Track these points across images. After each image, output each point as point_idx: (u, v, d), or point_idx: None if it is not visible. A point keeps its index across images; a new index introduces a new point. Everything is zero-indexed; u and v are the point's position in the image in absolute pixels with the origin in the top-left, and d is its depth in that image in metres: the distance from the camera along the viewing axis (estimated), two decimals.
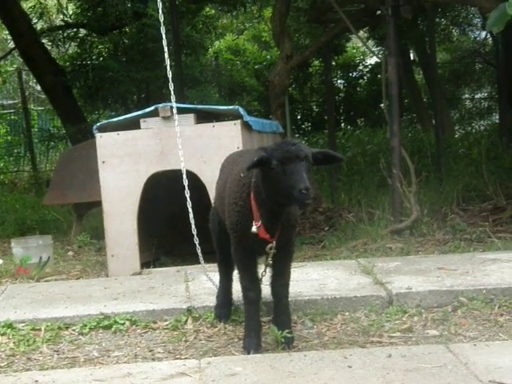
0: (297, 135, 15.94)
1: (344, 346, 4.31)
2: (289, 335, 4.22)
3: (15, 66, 18.83)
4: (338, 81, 18.18)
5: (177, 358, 4.26)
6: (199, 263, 6.38)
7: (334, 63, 16.22)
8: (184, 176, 6.06)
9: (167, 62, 6.02)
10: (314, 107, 18.38)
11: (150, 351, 4.47)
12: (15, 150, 18.46)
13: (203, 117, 6.88)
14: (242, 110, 6.57)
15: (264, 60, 17.34)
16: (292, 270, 4.51)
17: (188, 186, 6.20)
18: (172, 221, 7.62)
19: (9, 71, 18.53)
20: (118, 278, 6.38)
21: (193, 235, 6.29)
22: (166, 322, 4.93)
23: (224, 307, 4.88)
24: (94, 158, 7.06)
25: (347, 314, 4.89)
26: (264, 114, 14.31)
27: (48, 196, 9.41)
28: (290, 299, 4.75)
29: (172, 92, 6.17)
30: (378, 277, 5.48)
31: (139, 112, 6.89)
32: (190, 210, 5.89)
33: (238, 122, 6.51)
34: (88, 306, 5.22)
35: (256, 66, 17.23)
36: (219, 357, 4.11)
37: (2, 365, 4.30)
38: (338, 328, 4.67)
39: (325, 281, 5.52)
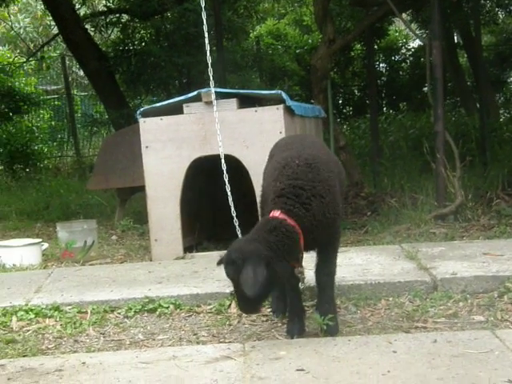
0: (338, 120, 15.85)
1: (388, 331, 4.29)
2: (331, 323, 4.14)
3: (58, 51, 19.03)
4: (380, 64, 17.99)
5: (221, 342, 4.28)
6: None
7: (376, 47, 16.05)
8: (222, 161, 6.07)
9: (207, 47, 6.03)
10: (356, 91, 18.25)
11: (195, 335, 4.50)
12: (59, 136, 18.69)
13: (245, 102, 6.88)
14: (284, 95, 6.55)
15: (305, 44, 17.22)
16: None
17: (230, 170, 6.25)
18: (214, 205, 7.65)
19: (52, 57, 18.73)
20: (162, 262, 6.43)
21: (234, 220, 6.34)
22: (210, 306, 4.96)
23: (280, 301, 4.62)
24: (137, 143, 7.10)
25: (391, 299, 4.87)
26: (305, 99, 14.25)
27: (91, 181, 9.50)
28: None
29: (211, 77, 6.18)
30: (422, 262, 5.44)
31: (182, 97, 6.91)
32: (230, 194, 5.91)
33: (281, 106, 6.49)
34: (133, 290, 5.28)
35: (297, 51, 17.12)
36: (263, 341, 4.12)
37: (50, 346, 4.37)
38: (381, 313, 4.65)
39: (368, 266, 5.50)
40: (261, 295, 3.83)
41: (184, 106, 6.80)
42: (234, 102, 6.67)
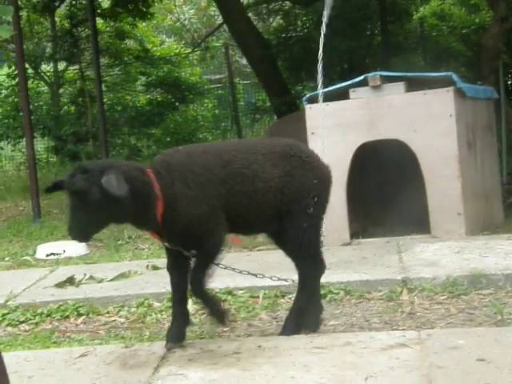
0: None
1: None
2: None
3: (221, 41, 19.42)
4: None
5: (394, 329, 4.22)
6: (408, 234, 6.34)
7: None
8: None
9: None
10: None
11: (367, 321, 4.46)
12: (222, 124, 19.11)
13: (411, 85, 6.73)
14: (455, 76, 6.36)
15: (472, 24, 16.56)
16: None
17: (397, 155, 6.21)
18: (379, 191, 7.55)
19: (216, 47, 19.17)
20: (330, 248, 6.40)
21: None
22: (381, 293, 4.91)
23: None
24: (301, 129, 7.12)
25: None
26: (471, 81, 13.74)
27: None
28: None
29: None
30: None
31: (348, 82, 6.86)
32: None
33: (451, 88, 6.30)
34: None
35: (463, 31, 16.52)
36: (439, 329, 4.02)
37: (225, 330, 4.47)
38: None
39: None
40: (95, 221, 3.66)
41: (350, 91, 6.76)
42: (401, 85, 6.55)
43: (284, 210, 4.00)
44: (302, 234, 4.03)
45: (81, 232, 3.65)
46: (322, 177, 4.15)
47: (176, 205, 3.73)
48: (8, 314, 5.13)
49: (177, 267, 4.01)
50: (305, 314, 4.16)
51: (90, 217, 3.56)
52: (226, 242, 4.00)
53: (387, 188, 7.18)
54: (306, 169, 4.06)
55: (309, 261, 4.10)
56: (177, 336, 3.97)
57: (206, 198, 3.78)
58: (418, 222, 6.55)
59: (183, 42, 20.68)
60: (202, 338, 4.27)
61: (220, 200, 3.83)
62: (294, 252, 4.12)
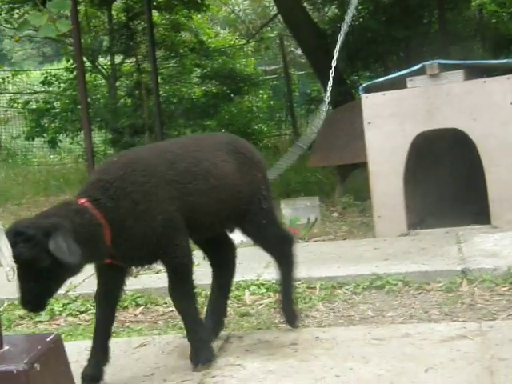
0: None
1: None
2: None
3: (276, 32, 19.36)
4: None
5: (454, 321, 4.16)
6: (468, 224, 6.26)
7: None
8: None
9: None
10: None
11: (426, 312, 4.40)
12: (277, 115, 19.08)
13: (470, 73, 6.62)
14: None
15: None
16: None
17: (458, 145, 6.09)
18: (437, 181, 7.45)
19: (271, 37, 19.14)
20: (387, 238, 6.36)
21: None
22: (440, 284, 4.84)
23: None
24: (356, 119, 7.07)
25: None
26: None
27: (312, 158, 9.58)
28: None
29: None
30: None
31: (405, 71, 6.77)
32: None
33: None
34: (360, 266, 5.27)
35: None
36: (501, 320, 3.94)
37: (281, 320, 4.46)
38: None
39: None
40: (50, 288, 3.28)
41: (407, 79, 6.67)
42: (460, 73, 6.44)
43: (242, 209, 3.88)
44: (263, 231, 3.99)
45: (36, 302, 3.28)
46: (263, 170, 4.06)
47: (125, 226, 3.43)
48: (68, 304, 5.22)
49: (106, 297, 3.70)
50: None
51: (43, 284, 3.21)
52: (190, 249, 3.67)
53: (447, 177, 7.10)
54: (250, 165, 3.93)
55: (277, 247, 4.12)
56: (92, 376, 3.59)
57: (158, 207, 3.49)
58: (478, 212, 6.46)
59: (238, 33, 20.68)
60: (259, 329, 4.27)
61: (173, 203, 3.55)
62: (264, 248, 4.12)
